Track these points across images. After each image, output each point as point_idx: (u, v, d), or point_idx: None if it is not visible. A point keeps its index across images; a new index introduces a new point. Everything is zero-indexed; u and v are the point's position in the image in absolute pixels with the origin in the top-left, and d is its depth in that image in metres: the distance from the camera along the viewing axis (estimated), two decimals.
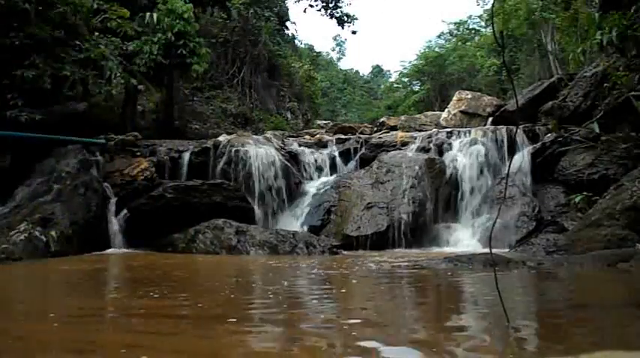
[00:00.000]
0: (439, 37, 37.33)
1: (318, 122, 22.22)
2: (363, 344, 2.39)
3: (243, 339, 2.61)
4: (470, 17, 34.70)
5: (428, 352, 2.33)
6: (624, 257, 5.95)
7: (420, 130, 12.97)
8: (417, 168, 9.92)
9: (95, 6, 10.45)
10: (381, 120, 15.71)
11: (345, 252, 8.15)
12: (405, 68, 37.33)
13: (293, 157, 11.13)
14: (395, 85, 39.76)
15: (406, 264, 6.63)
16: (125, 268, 6.82)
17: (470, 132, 11.29)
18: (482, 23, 32.04)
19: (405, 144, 11.25)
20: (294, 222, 9.86)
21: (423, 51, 35.40)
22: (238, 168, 10.18)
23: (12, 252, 6.78)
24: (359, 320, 2.99)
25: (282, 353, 2.34)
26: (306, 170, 11.14)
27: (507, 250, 8.15)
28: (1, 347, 2.40)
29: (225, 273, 6.16)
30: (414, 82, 35.71)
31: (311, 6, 23.98)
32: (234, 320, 3.00)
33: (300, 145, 11.65)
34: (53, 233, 7.47)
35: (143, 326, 2.96)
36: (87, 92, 10.77)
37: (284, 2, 25.17)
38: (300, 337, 2.63)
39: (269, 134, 12.62)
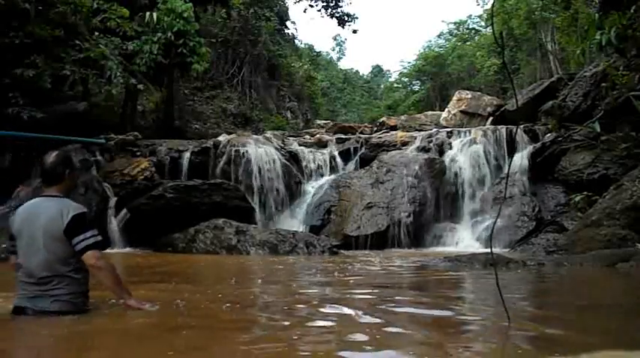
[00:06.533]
0: (439, 37, 37.27)
1: (318, 122, 22.17)
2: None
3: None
4: (470, 17, 34.67)
5: (429, 352, 2.33)
6: (624, 257, 5.95)
7: (420, 130, 12.98)
8: (417, 168, 9.91)
9: (95, 6, 10.44)
10: (381, 120, 15.71)
11: (345, 252, 8.14)
12: (405, 68, 37.38)
13: (293, 157, 11.13)
14: (395, 85, 39.73)
15: (406, 263, 6.63)
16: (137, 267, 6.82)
17: (470, 132, 11.29)
18: (482, 23, 31.99)
19: (405, 144, 11.25)
20: (294, 221, 9.86)
21: (422, 51, 35.43)
22: (238, 168, 10.18)
23: None
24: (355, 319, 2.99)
25: None
26: (306, 170, 11.14)
27: (507, 250, 8.15)
28: None
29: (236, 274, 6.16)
30: (414, 82, 35.70)
31: (311, 6, 23.96)
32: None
33: (300, 145, 11.65)
34: None
35: None
36: (87, 92, 10.77)
37: (284, 2, 25.16)
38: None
39: (269, 134, 12.62)
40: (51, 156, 3.03)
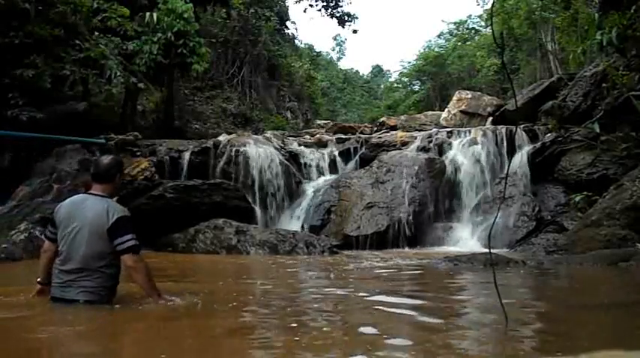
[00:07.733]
0: (439, 36, 37.16)
1: (318, 122, 22.14)
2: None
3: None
4: (470, 17, 34.61)
5: (426, 352, 2.33)
6: (624, 256, 5.96)
7: (420, 130, 12.96)
8: (417, 168, 9.91)
9: (95, 5, 10.43)
10: (381, 120, 15.68)
11: (345, 252, 8.15)
12: (405, 68, 37.33)
13: (293, 157, 11.12)
14: (395, 85, 39.68)
15: (406, 263, 6.63)
16: None
17: (470, 132, 11.28)
18: (482, 23, 31.92)
19: (405, 144, 11.24)
20: (294, 221, 9.85)
21: (422, 51, 35.39)
22: (238, 167, 10.17)
23: (12, 251, 6.78)
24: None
25: None
26: (306, 170, 11.13)
27: (507, 250, 8.15)
28: None
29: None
30: (414, 82, 35.66)
31: (311, 6, 24.00)
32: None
33: (300, 145, 11.63)
34: None
35: None
36: (87, 91, 10.76)
37: (284, 2, 25.15)
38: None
39: (269, 134, 12.60)
40: (107, 158, 3.43)
